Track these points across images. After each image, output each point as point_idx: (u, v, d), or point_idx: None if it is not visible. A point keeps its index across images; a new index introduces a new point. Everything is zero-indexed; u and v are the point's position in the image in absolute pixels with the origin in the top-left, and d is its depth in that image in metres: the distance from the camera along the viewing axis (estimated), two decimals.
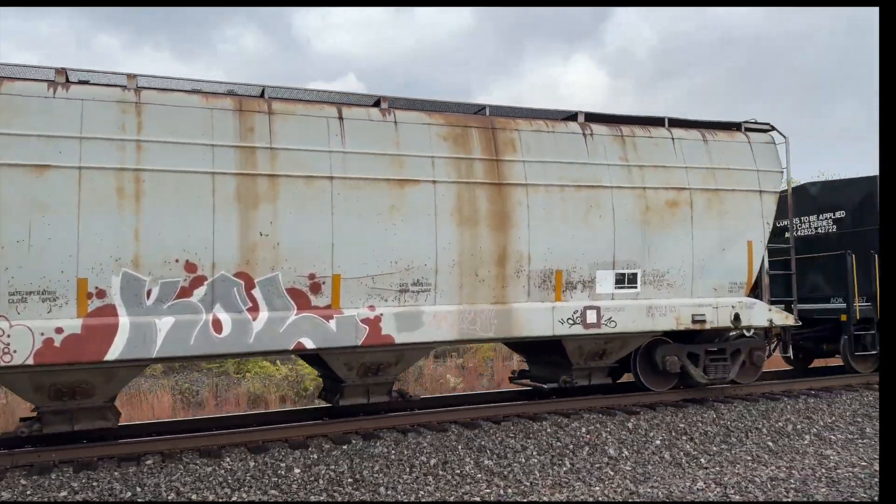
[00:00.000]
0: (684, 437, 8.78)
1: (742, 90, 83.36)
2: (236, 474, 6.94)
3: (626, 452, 8.26)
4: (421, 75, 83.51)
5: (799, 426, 9.42)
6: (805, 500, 7.25)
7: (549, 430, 8.54)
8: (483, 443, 8.02)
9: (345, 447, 7.63)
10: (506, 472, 7.50)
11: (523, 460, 7.80)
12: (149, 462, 7.16)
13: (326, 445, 7.68)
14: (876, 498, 7.67)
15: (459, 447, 7.86)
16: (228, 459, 7.23)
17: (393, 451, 7.61)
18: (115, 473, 6.81)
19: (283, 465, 7.18)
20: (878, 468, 8.33)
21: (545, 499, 6.95)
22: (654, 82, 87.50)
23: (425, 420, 8.56)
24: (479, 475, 7.41)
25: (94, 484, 6.58)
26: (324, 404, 9.48)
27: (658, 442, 8.58)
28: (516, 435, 8.33)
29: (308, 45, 79.66)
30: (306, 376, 14.40)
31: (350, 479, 7.07)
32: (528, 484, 7.36)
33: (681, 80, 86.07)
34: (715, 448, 8.64)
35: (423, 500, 6.84)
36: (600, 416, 9.16)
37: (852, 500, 7.12)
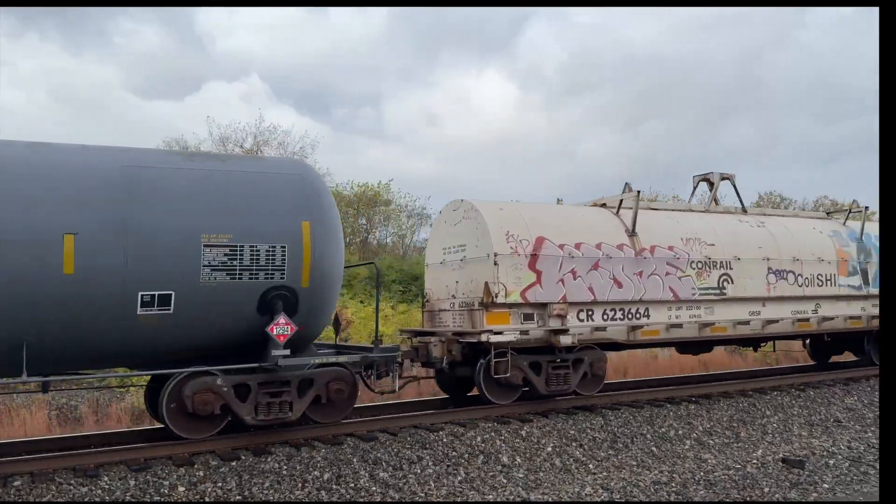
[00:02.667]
0: (574, 444, 9.05)
1: (644, 109, 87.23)
2: (114, 494, 6.55)
3: (518, 460, 8.41)
4: (329, 81, 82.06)
5: (681, 431, 9.90)
6: (685, 500, 7.62)
7: (445, 440, 8.58)
8: (379, 455, 7.95)
9: (233, 463, 7.36)
10: (401, 484, 7.47)
11: (419, 471, 7.79)
12: (17, 483, 6.64)
13: (214, 462, 7.38)
14: (755, 498, 8.18)
15: (355, 460, 7.76)
16: (106, 479, 6.82)
17: (285, 467, 7.42)
18: None
19: (166, 483, 6.84)
20: (750, 470, 8.88)
21: None
22: (563, 98, 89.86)
23: (319, 434, 8.39)
24: (374, 488, 7.34)
25: None
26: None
27: (550, 449, 8.80)
28: (413, 446, 8.31)
29: (212, 43, 76.68)
30: None
31: (238, 497, 6.83)
32: (422, 495, 7.35)
33: (588, 97, 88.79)
34: (603, 454, 8.95)
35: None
36: (495, 424, 9.29)
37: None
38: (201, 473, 7.09)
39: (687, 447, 9.49)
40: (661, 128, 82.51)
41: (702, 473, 8.59)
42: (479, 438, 8.72)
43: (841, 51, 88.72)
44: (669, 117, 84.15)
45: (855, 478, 9.14)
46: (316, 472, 7.39)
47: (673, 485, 8.21)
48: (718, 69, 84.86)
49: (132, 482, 6.79)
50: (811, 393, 12.12)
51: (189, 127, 66.25)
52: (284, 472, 7.30)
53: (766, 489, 8.42)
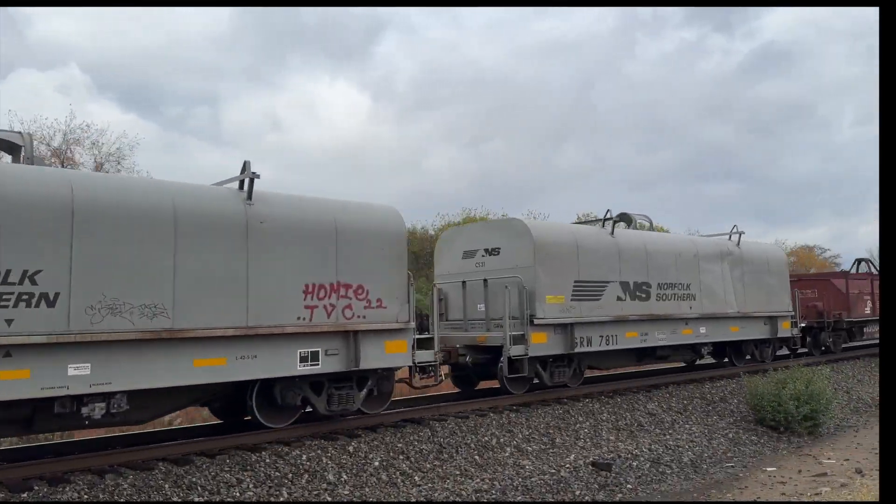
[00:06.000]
0: (401, 457, 9.10)
1: (489, 128, 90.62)
2: None
3: (345, 476, 8.31)
4: (161, 76, 76.77)
5: (502, 440, 10.29)
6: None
7: (268, 460, 8.27)
8: (194, 479, 7.50)
9: (25, 495, 6.61)
10: None
11: (238, 494, 7.44)
12: None
13: (0, 495, 6.58)
14: (566, 499, 8.66)
15: (167, 486, 7.26)
16: None
17: (86, 496, 6.77)
18: None
19: None
20: (563, 474, 9.42)
21: None
22: (413, 112, 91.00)
23: (127, 459, 7.76)
24: None
25: None
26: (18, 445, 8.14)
27: (377, 463, 8.78)
28: (232, 468, 7.93)
29: (28, 26, 69.03)
30: None
31: None
32: None
33: (437, 112, 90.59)
34: (428, 465, 9.08)
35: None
36: (322, 441, 9.12)
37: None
38: None
39: (507, 454, 9.88)
40: (504, 147, 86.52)
41: (520, 479, 8.98)
42: (304, 457, 8.50)
43: (662, 85, 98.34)
44: (511, 137, 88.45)
45: (654, 477, 10.01)
46: (122, 501, 6.82)
47: (493, 492, 8.51)
48: (558, 94, 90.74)
49: None
50: (618, 399, 13.12)
51: None
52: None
53: (578, 492, 8.97)
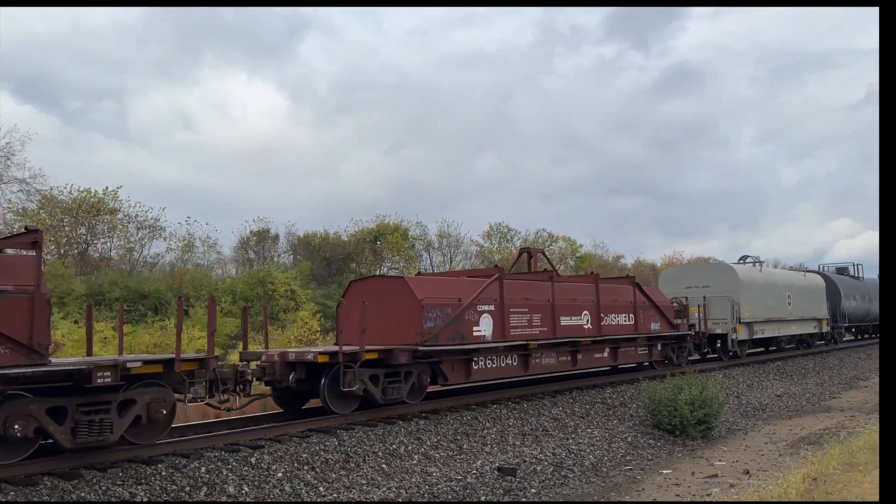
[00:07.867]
0: (306, 467, 8.92)
1: (408, 134, 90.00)
2: None
3: (246, 489, 8.07)
4: (62, 68, 71.63)
5: (410, 447, 10.27)
6: None
7: (164, 473, 7.92)
8: (83, 494, 7.09)
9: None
10: None
11: None
12: None
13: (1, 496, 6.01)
14: (483, 498, 8.73)
15: (52, 501, 6.83)
16: None
17: None
18: None
19: None
20: (470, 480, 9.49)
21: None
22: (332, 116, 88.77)
23: (8, 474, 7.24)
24: None
25: None
26: None
27: (280, 475, 8.57)
28: (125, 482, 7.55)
29: None
30: None
31: None
32: None
33: (357, 116, 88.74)
34: (334, 475, 8.94)
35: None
36: (223, 453, 8.81)
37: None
38: None
39: (415, 462, 9.87)
40: (423, 154, 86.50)
41: (427, 487, 8.99)
42: (203, 469, 8.19)
43: (576, 100, 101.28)
44: (431, 145, 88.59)
45: (557, 481, 10.24)
46: (143, 500, 6.39)
47: (400, 500, 8.47)
48: (478, 103, 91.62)
49: None
50: (525, 405, 13.37)
51: None
52: None
53: (484, 497, 9.07)
